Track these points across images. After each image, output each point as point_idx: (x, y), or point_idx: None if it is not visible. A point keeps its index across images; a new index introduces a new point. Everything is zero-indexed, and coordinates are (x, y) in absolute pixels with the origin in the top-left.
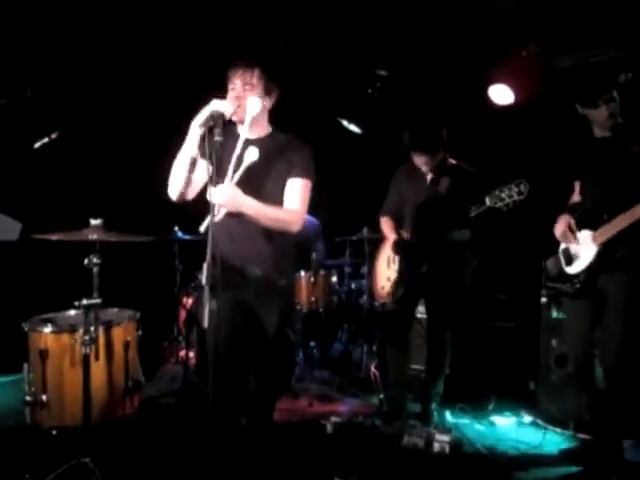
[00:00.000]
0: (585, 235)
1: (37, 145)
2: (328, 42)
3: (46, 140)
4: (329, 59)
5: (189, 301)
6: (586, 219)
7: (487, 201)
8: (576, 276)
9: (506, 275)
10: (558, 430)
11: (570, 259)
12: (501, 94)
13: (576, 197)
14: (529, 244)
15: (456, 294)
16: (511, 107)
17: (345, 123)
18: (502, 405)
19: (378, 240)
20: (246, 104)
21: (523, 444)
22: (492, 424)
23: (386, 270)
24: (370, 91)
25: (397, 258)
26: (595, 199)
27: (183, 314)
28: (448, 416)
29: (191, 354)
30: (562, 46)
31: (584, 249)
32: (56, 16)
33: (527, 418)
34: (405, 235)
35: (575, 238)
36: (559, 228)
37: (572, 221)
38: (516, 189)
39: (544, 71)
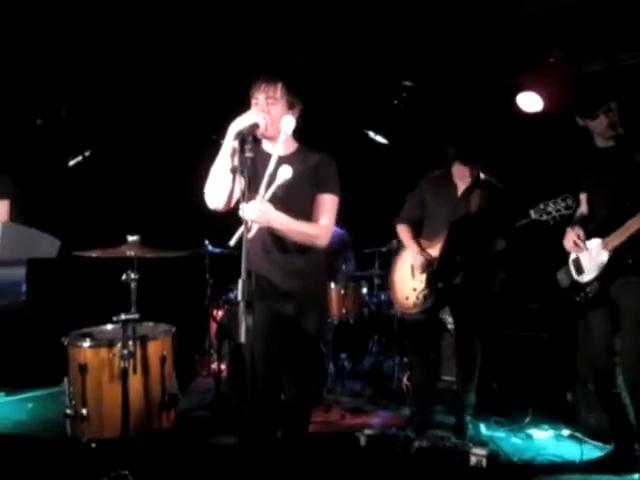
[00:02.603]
0: (595, 243)
1: (71, 163)
2: (353, 54)
3: (80, 158)
4: (354, 71)
5: (219, 314)
6: (596, 229)
7: (532, 214)
8: (588, 284)
9: (540, 284)
10: (598, 444)
11: (580, 268)
12: (530, 102)
13: (583, 209)
14: (563, 251)
15: (485, 304)
16: (540, 115)
17: (372, 134)
18: (539, 418)
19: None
20: (280, 122)
21: (562, 458)
22: (529, 437)
23: (410, 280)
24: (396, 102)
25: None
26: (604, 209)
27: (214, 327)
28: (483, 429)
29: (223, 367)
30: (591, 51)
31: (595, 257)
32: (89, 40)
33: (565, 431)
34: (427, 250)
35: (585, 247)
36: (568, 239)
37: (581, 232)
38: (563, 204)
39: (573, 77)
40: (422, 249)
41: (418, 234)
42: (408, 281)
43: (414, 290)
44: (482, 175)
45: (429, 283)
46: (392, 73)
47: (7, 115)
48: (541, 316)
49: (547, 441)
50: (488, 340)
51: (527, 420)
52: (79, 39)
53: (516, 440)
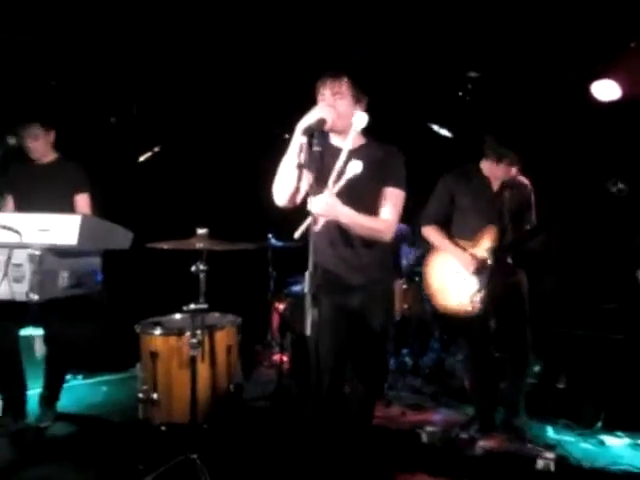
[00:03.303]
0: None
1: (142, 159)
2: (416, 45)
3: (149, 154)
4: (418, 63)
5: (282, 307)
6: None
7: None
8: None
9: (617, 283)
10: None
11: None
12: (606, 90)
13: None
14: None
15: (537, 301)
16: (617, 103)
17: (436, 128)
18: (613, 423)
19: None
20: (349, 116)
21: (639, 469)
22: (601, 443)
23: (461, 283)
24: (461, 94)
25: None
26: None
27: (276, 319)
28: (550, 432)
29: (285, 358)
30: None
31: None
32: (159, 40)
33: None
34: (470, 250)
35: None
36: None
37: None
38: (614, 188)
39: None
40: (464, 250)
41: (451, 233)
42: (458, 285)
43: (467, 293)
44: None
45: (484, 283)
46: (457, 64)
47: (84, 114)
48: (617, 317)
49: (623, 449)
50: (556, 340)
51: (599, 425)
52: (149, 39)
53: (587, 446)
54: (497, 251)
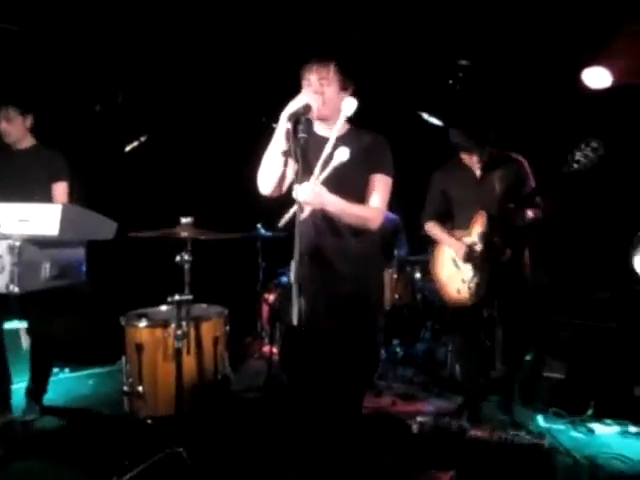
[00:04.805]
0: None
1: (128, 148)
2: (406, 33)
3: (136, 143)
4: (407, 50)
5: (271, 297)
6: None
7: (563, 169)
8: None
9: (609, 271)
10: None
11: None
12: (597, 77)
13: None
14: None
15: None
16: (608, 90)
17: (426, 116)
18: (603, 412)
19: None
20: (335, 102)
21: (628, 457)
22: (591, 432)
23: (457, 273)
24: (451, 82)
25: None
26: None
27: (266, 310)
28: (540, 420)
29: (274, 350)
30: None
31: None
32: (143, 28)
33: (632, 428)
34: (463, 239)
35: None
36: None
37: None
38: (588, 148)
39: None
40: (458, 239)
41: (452, 225)
42: (455, 275)
43: (463, 282)
44: (493, 151)
45: (476, 269)
46: (447, 52)
47: (69, 102)
48: (610, 306)
49: (612, 437)
50: (547, 328)
51: (589, 413)
52: (135, 26)
53: (576, 434)
54: (486, 235)
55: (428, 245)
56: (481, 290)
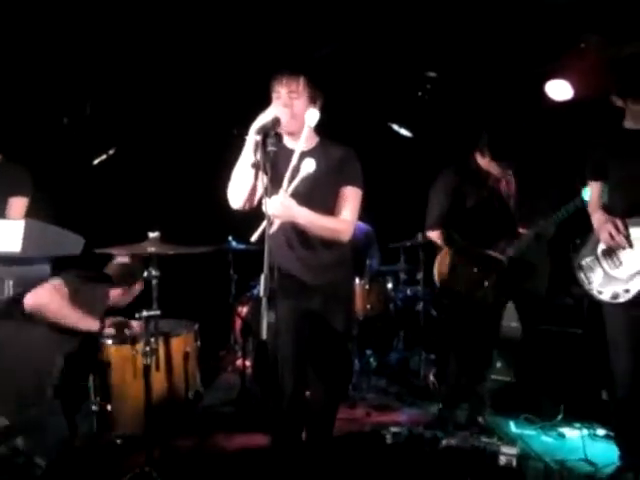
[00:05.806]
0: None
1: (96, 162)
2: (375, 46)
3: (104, 157)
4: (376, 62)
5: (244, 310)
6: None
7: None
8: (629, 279)
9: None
10: None
11: (618, 261)
12: (559, 90)
13: (596, 197)
14: None
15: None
16: (570, 103)
17: (396, 127)
18: (572, 416)
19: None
20: (304, 116)
21: (596, 460)
22: (561, 436)
23: (477, 278)
24: (420, 94)
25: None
26: (633, 195)
27: (239, 323)
28: (512, 426)
29: (248, 363)
30: (628, 34)
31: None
32: (112, 39)
33: (600, 431)
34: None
35: (628, 239)
36: (607, 230)
37: (619, 222)
38: (572, 204)
39: (612, 60)
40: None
41: (461, 231)
42: (473, 281)
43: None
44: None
45: (485, 270)
46: (415, 64)
47: (35, 114)
48: (575, 311)
49: (580, 440)
50: (516, 335)
51: (559, 418)
52: (103, 38)
53: (547, 439)
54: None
55: (400, 255)
56: (490, 295)
